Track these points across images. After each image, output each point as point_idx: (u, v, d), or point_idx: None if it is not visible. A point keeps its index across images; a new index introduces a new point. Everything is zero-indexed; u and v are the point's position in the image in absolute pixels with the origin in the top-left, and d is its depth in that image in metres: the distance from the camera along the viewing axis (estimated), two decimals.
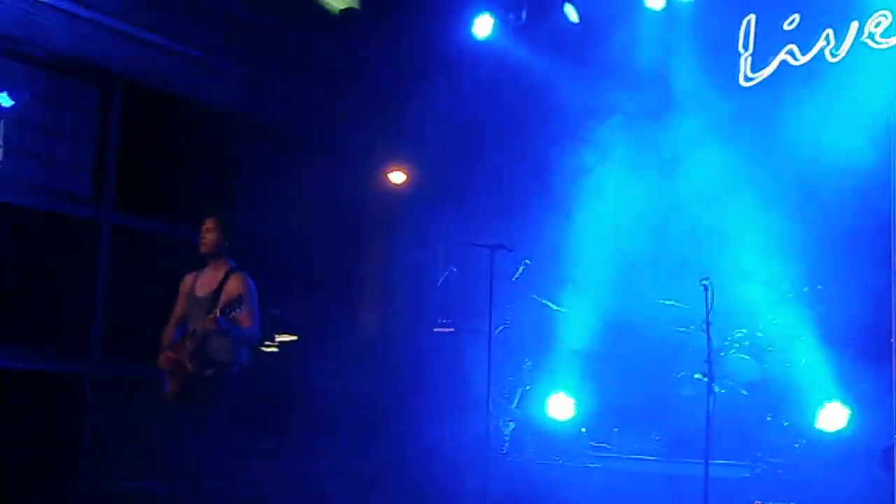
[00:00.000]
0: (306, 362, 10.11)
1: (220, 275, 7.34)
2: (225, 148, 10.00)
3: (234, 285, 7.24)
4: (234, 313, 6.89)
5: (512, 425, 9.22)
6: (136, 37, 9.26)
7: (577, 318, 9.53)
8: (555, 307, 9.74)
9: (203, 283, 7.42)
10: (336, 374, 9.88)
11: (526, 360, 9.61)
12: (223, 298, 7.13)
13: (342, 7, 10.95)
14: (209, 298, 7.25)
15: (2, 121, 8.74)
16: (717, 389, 7.65)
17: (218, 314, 6.88)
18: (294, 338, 10.42)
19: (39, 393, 8.48)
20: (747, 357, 8.76)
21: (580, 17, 10.25)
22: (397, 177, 11.14)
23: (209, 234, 7.39)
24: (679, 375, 8.93)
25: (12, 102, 8.73)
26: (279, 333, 10.25)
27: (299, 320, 10.44)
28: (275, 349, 10.15)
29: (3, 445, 8.07)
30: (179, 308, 7.50)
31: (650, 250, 9.45)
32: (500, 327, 9.31)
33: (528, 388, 9.51)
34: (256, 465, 8.69)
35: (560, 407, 9.34)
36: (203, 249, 7.43)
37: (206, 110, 9.93)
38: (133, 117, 9.45)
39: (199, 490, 7.08)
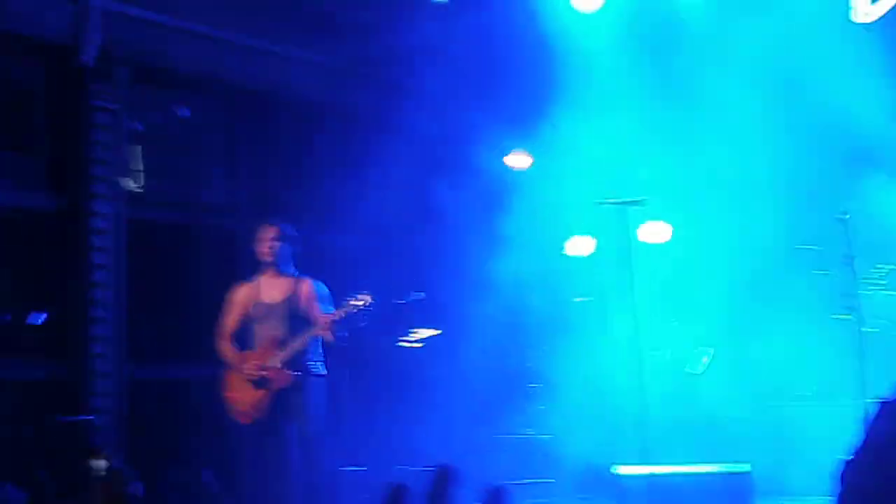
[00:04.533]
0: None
1: (290, 282, 7.27)
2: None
3: (307, 289, 7.24)
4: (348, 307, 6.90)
5: None
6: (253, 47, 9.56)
7: None
8: None
9: (270, 290, 7.29)
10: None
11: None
12: (303, 303, 7.16)
13: None
14: (286, 304, 7.19)
15: (138, 144, 9.14)
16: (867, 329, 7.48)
17: (343, 313, 6.90)
18: (436, 332, 10.39)
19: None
20: None
21: None
22: (519, 160, 10.96)
23: (271, 242, 7.28)
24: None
25: (141, 125, 9.12)
26: (419, 327, 10.26)
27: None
28: (415, 344, 10.18)
29: None
30: (234, 318, 7.36)
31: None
32: None
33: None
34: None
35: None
36: (267, 258, 7.31)
37: (323, 111, 10.19)
38: (255, 126, 9.77)
39: None
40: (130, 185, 8.86)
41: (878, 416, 2.71)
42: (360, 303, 6.92)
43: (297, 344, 7.06)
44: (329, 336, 6.99)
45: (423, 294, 8.99)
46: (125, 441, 8.35)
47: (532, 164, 10.65)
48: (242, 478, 7.56)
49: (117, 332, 8.55)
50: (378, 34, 9.68)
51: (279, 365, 7.04)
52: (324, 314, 7.08)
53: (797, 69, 8.95)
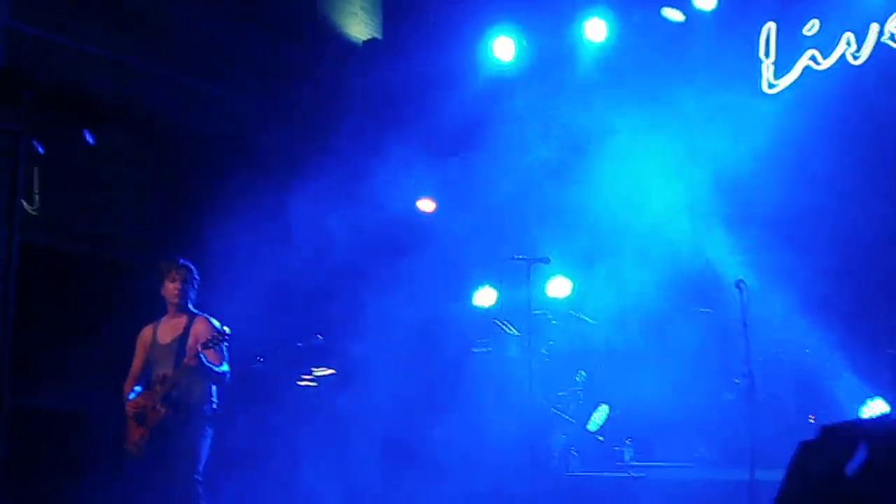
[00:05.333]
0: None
1: (184, 320, 7.24)
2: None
3: (201, 327, 7.15)
4: (210, 348, 6.84)
5: (563, 437, 9.23)
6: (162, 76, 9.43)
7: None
8: (592, 321, 9.77)
9: (165, 330, 7.28)
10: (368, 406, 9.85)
11: (579, 371, 9.58)
12: (191, 341, 7.07)
13: (365, 38, 11.11)
14: (176, 343, 7.15)
15: (37, 168, 8.91)
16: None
17: (200, 349, 6.81)
18: (331, 371, 10.32)
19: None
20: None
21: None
22: (426, 205, 11.09)
23: (181, 285, 7.25)
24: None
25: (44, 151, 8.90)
26: (317, 367, 10.20)
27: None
28: (312, 384, 10.10)
29: None
30: (138, 360, 7.35)
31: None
32: (549, 342, 9.36)
33: (580, 401, 9.49)
34: None
35: (599, 418, 9.36)
36: (175, 300, 7.28)
37: (236, 148, 10.06)
38: (164, 157, 9.63)
39: None
40: (27, 208, 8.62)
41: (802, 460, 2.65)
42: (220, 334, 6.89)
43: (172, 379, 6.95)
44: (194, 362, 6.82)
45: (321, 337, 8.92)
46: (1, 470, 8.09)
47: (438, 210, 10.71)
48: None
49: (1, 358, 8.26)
50: (298, 77, 9.66)
51: (157, 402, 6.96)
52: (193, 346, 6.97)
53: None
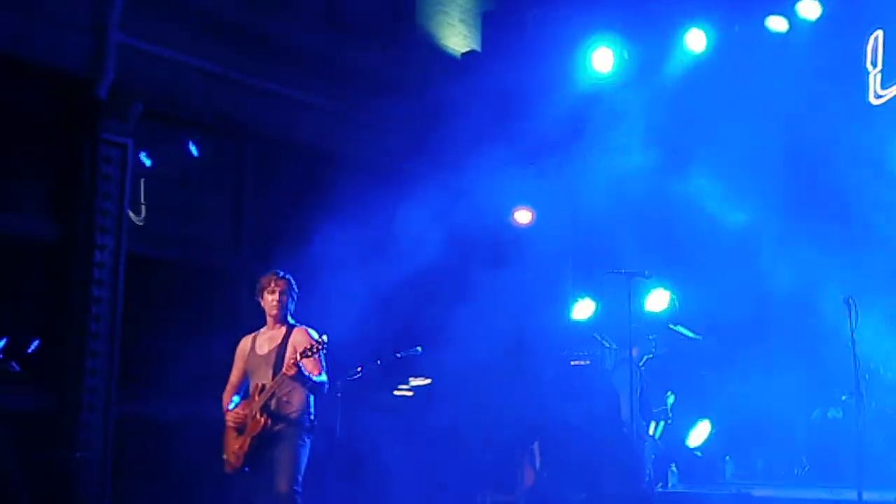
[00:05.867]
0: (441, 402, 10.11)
1: (283, 332, 7.23)
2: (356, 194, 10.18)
3: (299, 338, 7.13)
4: (308, 357, 6.85)
5: (653, 455, 9.12)
6: (264, 89, 9.57)
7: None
8: (692, 335, 9.64)
9: (264, 341, 7.29)
10: (472, 412, 9.87)
11: (669, 392, 9.48)
12: (289, 351, 7.06)
13: (464, 50, 11.15)
14: (274, 353, 7.15)
15: (143, 179, 9.12)
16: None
17: (299, 358, 6.81)
18: (427, 381, 10.33)
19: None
20: None
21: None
22: (523, 216, 11.03)
23: (280, 297, 7.23)
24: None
25: (150, 162, 9.11)
26: (414, 377, 10.23)
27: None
28: (409, 393, 10.13)
29: None
30: (237, 371, 7.37)
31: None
32: (645, 357, 9.25)
33: (670, 416, 9.38)
34: None
35: (701, 435, 9.22)
36: (273, 311, 7.26)
37: (333, 158, 10.17)
38: (263, 168, 9.76)
39: None
40: (134, 219, 8.82)
41: None
42: (318, 344, 6.90)
43: (270, 389, 6.99)
44: (292, 371, 6.82)
45: (420, 349, 8.96)
46: (107, 477, 8.25)
47: (535, 220, 10.69)
48: None
49: (109, 366, 8.45)
50: (396, 88, 9.72)
51: (256, 412, 7.00)
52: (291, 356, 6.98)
53: None
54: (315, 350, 6.89)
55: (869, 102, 9.54)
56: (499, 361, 10.13)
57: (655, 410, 9.40)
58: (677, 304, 9.63)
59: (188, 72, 9.05)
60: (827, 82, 9.64)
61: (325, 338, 6.98)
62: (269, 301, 7.28)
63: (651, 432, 9.37)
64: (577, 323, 10.18)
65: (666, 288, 9.76)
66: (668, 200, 9.74)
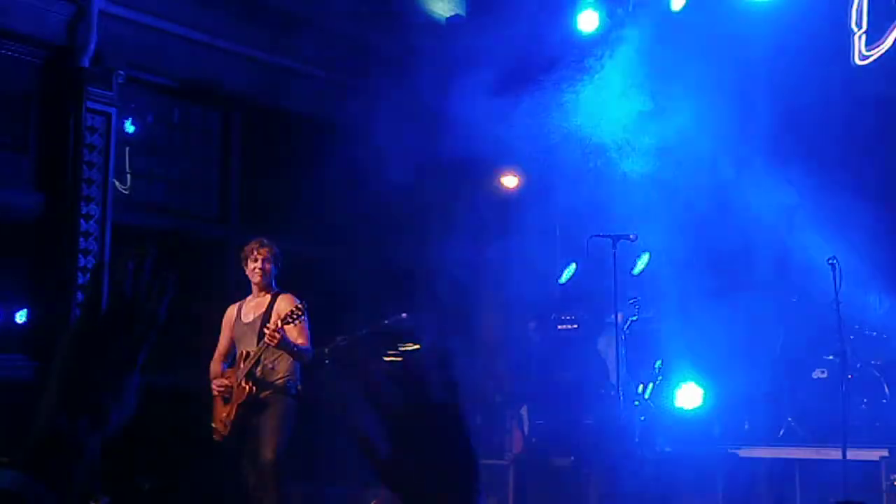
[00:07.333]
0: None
1: (267, 299, 7.25)
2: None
3: (283, 304, 7.14)
4: (291, 323, 6.88)
5: (642, 417, 9.18)
6: (251, 57, 9.51)
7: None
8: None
9: (249, 309, 7.33)
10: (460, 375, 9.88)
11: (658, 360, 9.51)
12: (273, 318, 7.04)
13: (448, 14, 11.08)
14: (259, 321, 7.16)
15: (128, 147, 9.09)
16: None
17: (280, 324, 6.84)
18: (416, 347, 10.34)
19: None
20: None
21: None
22: (510, 181, 11.06)
23: (263, 264, 7.23)
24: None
25: (134, 129, 9.07)
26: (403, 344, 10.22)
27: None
28: (398, 359, 10.12)
29: None
30: (225, 340, 7.42)
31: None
32: (629, 320, 9.28)
33: (659, 379, 9.41)
34: None
35: (689, 397, 9.25)
36: (257, 279, 7.27)
37: (319, 124, 10.13)
38: (251, 137, 9.72)
39: None
40: (119, 188, 8.80)
41: None
42: (298, 310, 6.94)
43: (254, 356, 7.02)
44: (273, 342, 6.84)
45: (406, 315, 8.98)
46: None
47: (521, 186, 10.67)
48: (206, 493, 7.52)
49: None
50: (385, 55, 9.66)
51: (241, 379, 7.03)
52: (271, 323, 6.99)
53: None
54: (295, 316, 6.91)
55: (854, 63, 9.48)
56: (488, 325, 10.18)
57: (644, 372, 9.45)
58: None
59: (173, 39, 9.01)
60: (812, 44, 9.58)
61: (304, 304, 7.00)
62: (253, 269, 7.28)
63: (640, 392, 9.42)
64: (565, 286, 10.19)
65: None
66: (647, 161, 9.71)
